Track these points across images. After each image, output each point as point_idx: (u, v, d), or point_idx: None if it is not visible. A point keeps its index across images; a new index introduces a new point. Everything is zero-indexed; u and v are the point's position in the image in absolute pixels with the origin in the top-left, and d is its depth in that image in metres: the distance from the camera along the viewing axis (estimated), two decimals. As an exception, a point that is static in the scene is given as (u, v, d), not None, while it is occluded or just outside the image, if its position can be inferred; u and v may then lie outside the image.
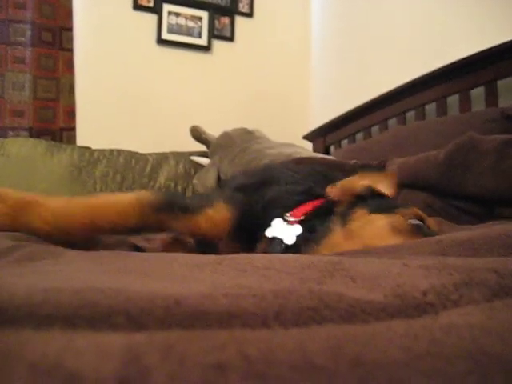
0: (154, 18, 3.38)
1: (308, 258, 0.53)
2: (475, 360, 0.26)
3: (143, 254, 0.79)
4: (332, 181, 1.13)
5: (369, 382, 0.23)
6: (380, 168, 1.81)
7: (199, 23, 3.49)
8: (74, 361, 0.22)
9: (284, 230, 0.98)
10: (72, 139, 3.02)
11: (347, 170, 2.08)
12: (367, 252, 0.75)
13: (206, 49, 3.50)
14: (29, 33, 2.90)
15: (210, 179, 2.62)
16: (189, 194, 2.77)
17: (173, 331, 0.28)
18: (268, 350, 0.25)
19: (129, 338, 0.26)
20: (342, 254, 0.72)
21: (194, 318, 0.30)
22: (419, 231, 0.87)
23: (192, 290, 0.36)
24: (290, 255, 0.60)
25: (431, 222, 0.97)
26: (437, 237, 0.75)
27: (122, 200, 0.96)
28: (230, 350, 0.25)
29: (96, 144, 2.85)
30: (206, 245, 1.05)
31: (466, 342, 0.28)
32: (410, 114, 2.59)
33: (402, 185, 1.85)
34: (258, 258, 0.52)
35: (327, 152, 3.30)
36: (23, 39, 2.90)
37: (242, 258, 0.53)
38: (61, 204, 0.93)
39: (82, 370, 0.22)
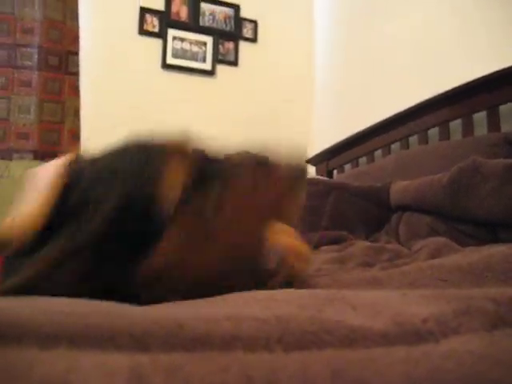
0: (159, 42, 3.42)
1: (307, 290, 0.53)
2: (475, 385, 0.26)
3: None
4: None
5: (369, 404, 0.23)
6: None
7: (204, 48, 3.53)
8: (80, 380, 0.23)
9: None
10: (76, 162, 3.04)
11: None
12: (368, 280, 0.76)
13: (211, 73, 3.54)
14: (36, 57, 2.94)
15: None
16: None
17: (176, 353, 0.28)
18: (270, 372, 0.26)
19: (133, 359, 0.26)
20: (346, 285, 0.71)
21: (197, 341, 0.30)
22: None
23: (195, 314, 0.36)
24: (292, 290, 0.59)
25: None
26: (437, 261, 0.75)
27: None
28: (233, 371, 0.25)
29: (100, 167, 2.87)
30: None
31: (465, 368, 0.28)
32: (413, 139, 2.60)
33: (405, 207, 1.86)
34: (260, 293, 0.53)
35: (330, 176, 3.31)
36: (30, 63, 2.93)
37: (245, 293, 0.54)
38: None
39: (88, 390, 0.22)
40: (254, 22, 3.73)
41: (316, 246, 1.86)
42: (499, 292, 0.44)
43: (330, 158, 3.31)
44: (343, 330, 0.35)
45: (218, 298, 0.51)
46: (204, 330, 0.32)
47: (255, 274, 0.69)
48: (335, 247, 1.75)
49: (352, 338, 0.34)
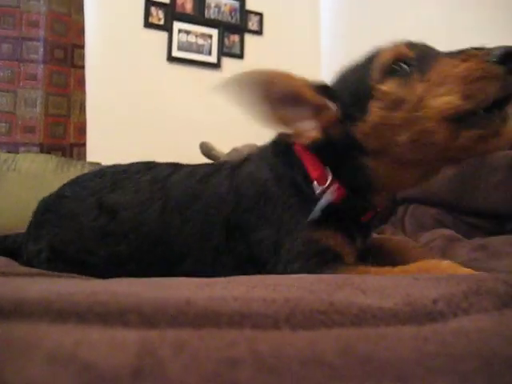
0: (164, 35, 3.41)
1: (317, 275, 0.53)
2: (485, 360, 0.26)
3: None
4: None
5: (378, 377, 0.23)
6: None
7: (209, 41, 3.52)
8: (89, 352, 0.23)
9: None
10: (82, 155, 3.04)
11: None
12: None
13: (216, 66, 3.53)
14: (41, 50, 2.94)
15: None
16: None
17: (184, 329, 0.29)
18: (278, 347, 0.26)
19: (142, 334, 0.26)
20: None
21: (205, 318, 0.30)
22: None
23: (202, 294, 0.36)
24: (302, 276, 0.59)
25: None
26: None
27: None
28: (240, 346, 0.25)
29: (106, 160, 2.87)
30: None
31: (475, 344, 0.28)
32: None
33: (411, 199, 1.85)
34: (269, 277, 0.53)
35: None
36: (36, 56, 2.94)
37: (253, 277, 0.54)
38: None
39: (97, 361, 0.22)
40: (260, 15, 3.71)
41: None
42: (510, 275, 0.44)
43: (335, 150, 3.29)
44: (353, 309, 0.35)
45: (224, 280, 0.51)
46: (212, 308, 0.32)
47: None
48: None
49: (362, 318, 0.34)
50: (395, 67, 0.81)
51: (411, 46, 0.85)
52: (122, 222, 1.02)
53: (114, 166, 1.21)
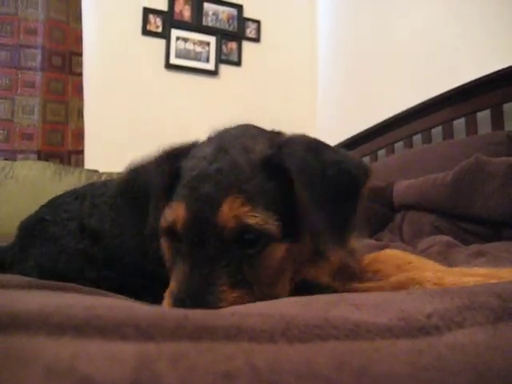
0: (162, 43, 3.42)
1: (314, 295, 0.53)
2: (479, 373, 0.26)
3: None
4: None
5: (374, 391, 0.23)
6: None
7: (207, 48, 3.53)
8: (86, 365, 0.23)
9: None
10: (80, 162, 3.04)
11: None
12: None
13: (214, 73, 3.54)
14: (39, 57, 2.95)
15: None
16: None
17: (182, 343, 0.29)
18: (275, 361, 0.26)
19: (139, 347, 0.26)
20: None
21: (202, 332, 0.30)
22: None
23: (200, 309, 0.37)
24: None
25: None
26: None
27: None
28: (237, 360, 0.25)
29: (104, 167, 2.87)
30: None
31: (470, 357, 0.28)
32: (417, 138, 2.59)
33: (409, 206, 1.85)
34: None
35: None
36: (34, 64, 2.95)
37: None
38: None
39: (95, 373, 0.22)
40: (258, 22, 3.73)
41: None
42: (504, 287, 0.44)
43: (333, 157, 3.29)
44: (348, 324, 0.35)
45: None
46: (209, 322, 0.32)
47: None
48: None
49: (357, 332, 0.34)
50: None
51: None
52: (104, 248, 1.08)
53: (92, 187, 1.26)
